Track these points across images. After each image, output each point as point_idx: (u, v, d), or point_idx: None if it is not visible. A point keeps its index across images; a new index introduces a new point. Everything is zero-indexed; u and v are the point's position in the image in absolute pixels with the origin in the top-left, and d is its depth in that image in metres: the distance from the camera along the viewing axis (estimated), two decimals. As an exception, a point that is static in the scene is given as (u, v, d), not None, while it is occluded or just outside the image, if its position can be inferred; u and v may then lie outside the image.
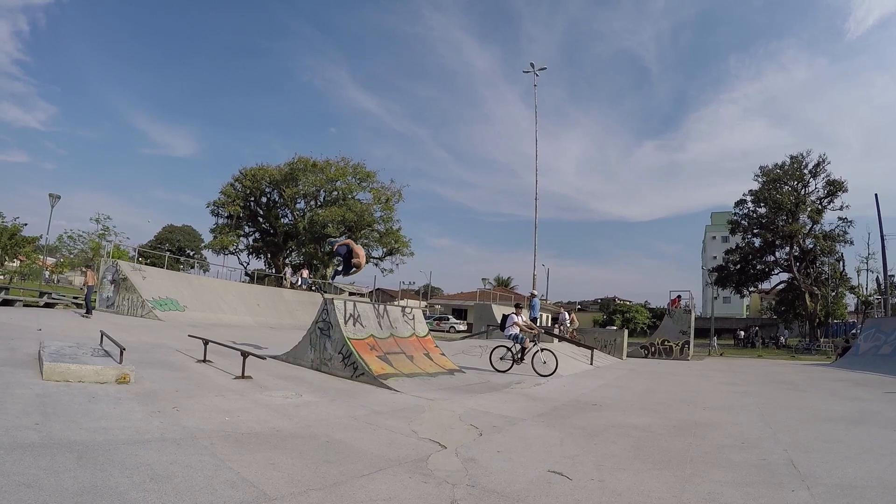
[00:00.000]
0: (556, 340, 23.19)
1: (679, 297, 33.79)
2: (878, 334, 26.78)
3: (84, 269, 28.34)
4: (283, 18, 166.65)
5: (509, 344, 15.93)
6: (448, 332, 48.40)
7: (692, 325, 31.24)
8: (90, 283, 22.58)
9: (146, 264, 31.47)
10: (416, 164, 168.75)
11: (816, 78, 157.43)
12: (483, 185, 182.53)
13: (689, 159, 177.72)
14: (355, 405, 8.67)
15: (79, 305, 24.92)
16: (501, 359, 15.67)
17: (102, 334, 11.10)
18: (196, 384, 8.95)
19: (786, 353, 41.94)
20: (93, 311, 22.26)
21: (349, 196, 51.47)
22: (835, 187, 50.97)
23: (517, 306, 16.73)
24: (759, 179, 54.07)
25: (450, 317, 60.20)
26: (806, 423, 9.30)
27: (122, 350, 8.84)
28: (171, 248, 71.93)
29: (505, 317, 16.34)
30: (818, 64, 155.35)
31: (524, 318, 16.42)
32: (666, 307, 35.48)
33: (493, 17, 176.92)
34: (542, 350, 15.52)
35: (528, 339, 15.81)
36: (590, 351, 21.44)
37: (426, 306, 62.37)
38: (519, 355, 15.59)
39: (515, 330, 15.69)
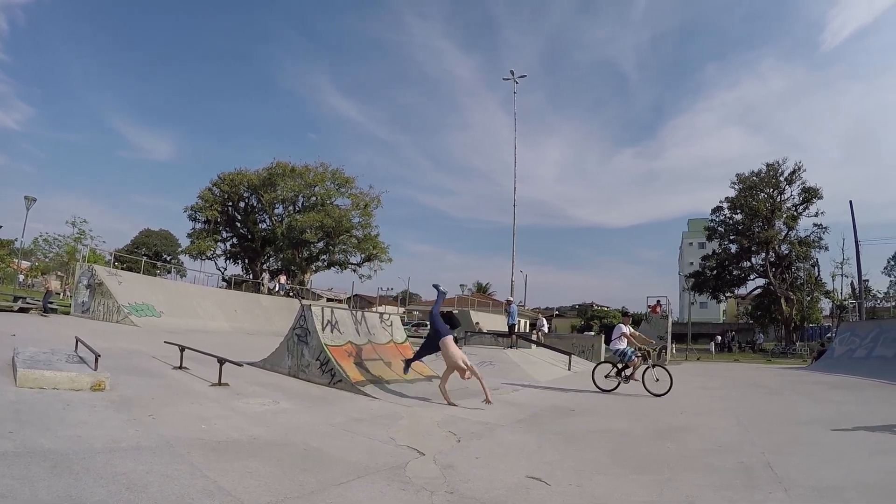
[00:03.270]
0: (534, 346, 23.28)
1: (658, 302, 34.10)
2: (853, 338, 27.27)
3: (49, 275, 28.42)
4: (267, 23, 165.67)
5: (617, 360, 13.95)
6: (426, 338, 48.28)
7: (669, 330, 31.54)
8: (51, 289, 23.39)
9: (122, 269, 31.05)
10: (397, 170, 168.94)
11: (793, 87, 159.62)
12: (463, 192, 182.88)
13: (666, 167, 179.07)
14: (333, 412, 8.66)
15: (54, 311, 24.78)
16: (606, 377, 13.74)
17: (77, 340, 10.98)
18: (172, 391, 8.88)
19: (762, 357, 42.48)
20: (49, 312, 23.31)
21: (327, 202, 51.18)
22: (810, 194, 51.93)
23: (625, 315, 14.96)
24: (736, 186, 54.98)
25: (428, 323, 60.06)
26: (783, 426, 9.44)
27: (97, 356, 8.76)
28: (148, 253, 71.10)
29: (611, 328, 14.71)
30: (795, 73, 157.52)
31: (632, 330, 14.34)
32: (645, 313, 35.78)
33: (474, 25, 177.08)
34: (654, 366, 13.53)
35: (637, 355, 13.56)
36: (567, 356, 21.51)
37: (404, 312, 62.26)
38: (627, 373, 13.54)
39: (623, 344, 13.62)
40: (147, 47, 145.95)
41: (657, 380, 13.04)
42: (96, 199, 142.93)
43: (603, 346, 29.33)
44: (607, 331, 14.48)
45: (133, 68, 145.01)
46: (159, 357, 12.46)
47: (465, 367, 10.29)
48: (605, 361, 14.48)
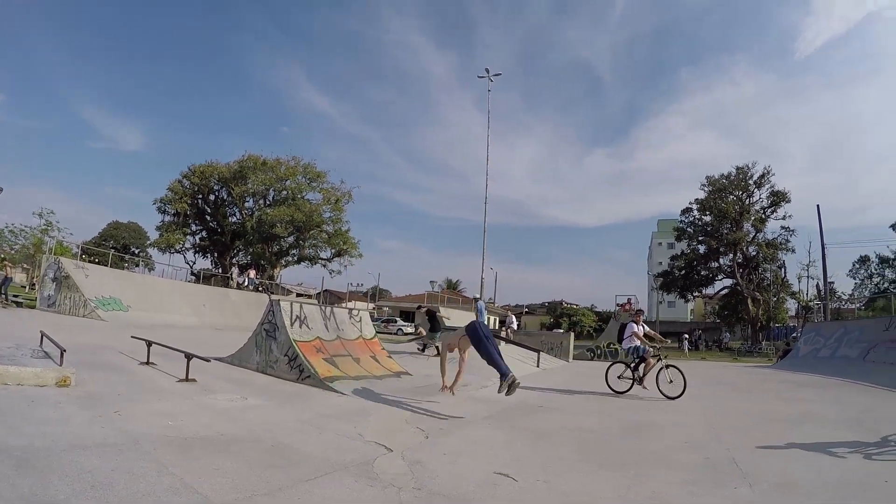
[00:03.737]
0: (503, 343, 23.36)
1: (629, 300, 34.48)
2: (818, 338, 27.80)
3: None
4: (243, 15, 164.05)
5: (630, 360, 13.31)
6: (395, 334, 48.21)
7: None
8: (8, 274, 24.31)
9: (90, 262, 30.57)
10: (369, 166, 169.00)
11: (765, 93, 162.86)
12: (435, 189, 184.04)
13: (638, 168, 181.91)
14: (301, 408, 8.64)
15: (18, 304, 24.41)
16: (619, 378, 13.08)
17: (42, 335, 10.85)
18: (139, 387, 8.80)
19: (728, 356, 43.09)
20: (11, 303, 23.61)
21: (298, 196, 51.05)
22: (778, 198, 53.11)
23: (638, 312, 14.33)
24: (706, 189, 56.03)
25: (397, 319, 60.03)
26: (749, 423, 9.59)
27: (62, 351, 8.67)
28: (116, 246, 70.15)
29: (623, 326, 13.95)
30: (767, 80, 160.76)
31: (646, 328, 13.66)
32: (614, 311, 36.14)
33: (450, 22, 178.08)
34: (668, 367, 12.63)
35: (650, 353, 12.95)
36: (536, 353, 21.62)
37: (374, 308, 62.18)
38: (640, 373, 12.90)
39: (636, 342, 13.06)
40: (122, 39, 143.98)
41: (671, 381, 12.33)
42: (64, 189, 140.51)
43: (572, 343, 29.59)
44: (620, 329, 13.32)
45: (106, 59, 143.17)
46: (126, 352, 12.34)
47: (463, 357, 10.53)
48: (619, 361, 13.85)
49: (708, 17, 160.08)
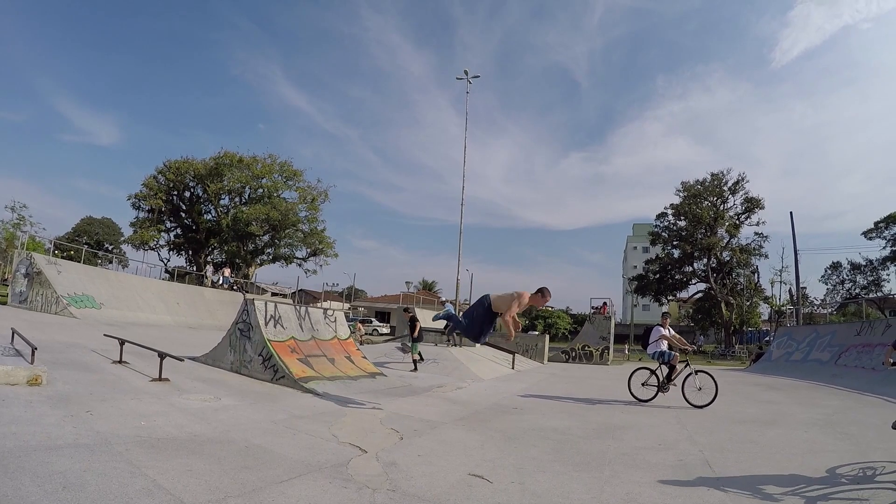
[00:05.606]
0: (477, 345, 23.42)
1: (605, 304, 34.67)
2: (790, 342, 28.18)
3: None
4: (221, 9, 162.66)
5: (653, 366, 12.65)
6: (371, 334, 48.10)
7: (612, 331, 32.10)
8: None
9: (62, 258, 30.10)
10: (345, 165, 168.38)
11: (740, 101, 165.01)
12: (411, 189, 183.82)
13: (613, 172, 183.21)
14: (275, 409, 8.62)
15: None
16: (644, 385, 12.35)
17: (14, 332, 10.71)
18: (111, 387, 8.72)
19: (702, 359, 43.47)
20: None
21: (274, 194, 50.94)
22: (752, 204, 53.78)
23: (664, 315, 13.40)
24: (681, 194, 56.47)
25: (373, 319, 59.92)
26: (721, 424, 9.69)
27: (33, 349, 8.57)
28: (89, 242, 69.29)
29: (648, 329, 13.19)
30: (742, 88, 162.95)
31: (672, 332, 12.82)
32: (589, 313, 36.27)
33: (430, 22, 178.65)
34: (697, 372, 12.10)
35: (677, 359, 12.19)
36: (511, 355, 21.71)
37: (349, 308, 62.00)
38: (667, 380, 12.19)
39: (664, 345, 12.32)
40: (98, 32, 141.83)
41: (699, 388, 11.69)
42: (35, 181, 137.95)
43: (547, 345, 29.73)
44: (644, 332, 12.19)
45: (79, 51, 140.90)
46: (98, 351, 12.22)
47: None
48: (643, 367, 13.03)
49: (685, 25, 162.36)
